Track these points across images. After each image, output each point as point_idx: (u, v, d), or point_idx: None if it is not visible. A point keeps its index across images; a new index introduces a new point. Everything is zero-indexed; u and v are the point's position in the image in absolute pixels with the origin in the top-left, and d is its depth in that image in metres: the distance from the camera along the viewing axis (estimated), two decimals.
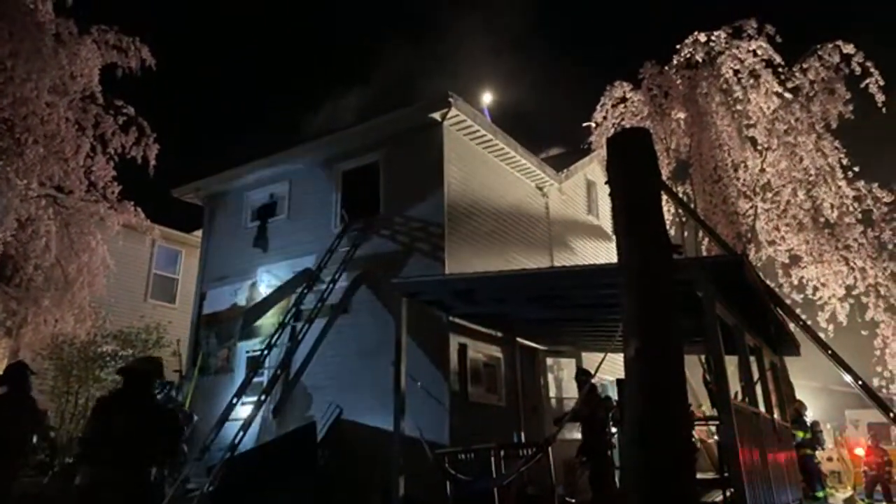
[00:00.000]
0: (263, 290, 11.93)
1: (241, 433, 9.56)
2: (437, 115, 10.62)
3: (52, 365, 12.52)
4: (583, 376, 9.49)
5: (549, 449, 8.12)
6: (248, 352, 11.84)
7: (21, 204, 9.98)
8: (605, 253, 14.96)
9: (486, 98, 17.29)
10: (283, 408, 10.78)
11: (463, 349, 9.98)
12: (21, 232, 10.24)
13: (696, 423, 10.25)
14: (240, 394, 10.20)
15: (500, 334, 10.96)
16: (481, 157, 11.69)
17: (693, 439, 10.31)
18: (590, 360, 11.97)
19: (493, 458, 7.79)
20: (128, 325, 13.74)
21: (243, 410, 10.15)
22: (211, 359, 11.93)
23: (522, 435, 10.70)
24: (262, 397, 10.09)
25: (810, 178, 13.14)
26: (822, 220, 13.17)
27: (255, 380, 10.69)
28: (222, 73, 67.06)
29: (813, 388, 21.19)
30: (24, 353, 11.26)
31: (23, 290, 10.85)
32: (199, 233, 14.88)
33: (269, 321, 11.46)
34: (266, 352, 10.63)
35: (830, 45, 13.18)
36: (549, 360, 12.58)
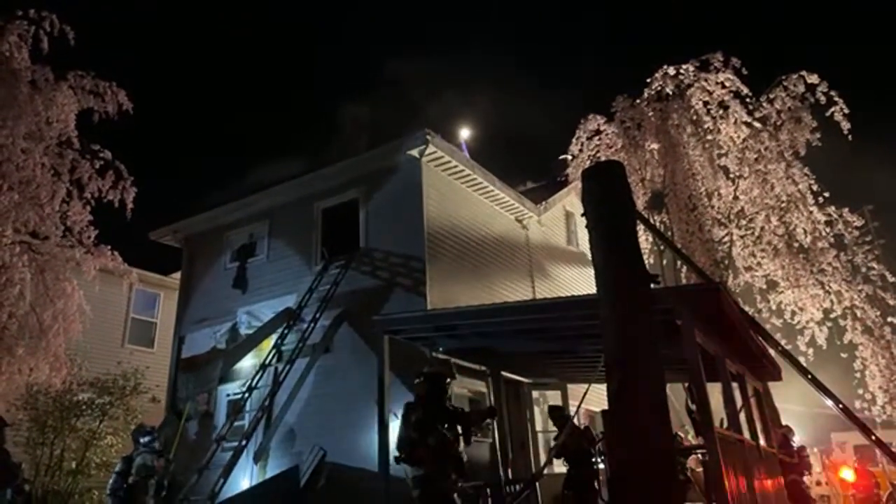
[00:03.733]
0: (243, 331, 11.78)
1: (222, 480, 9.32)
2: (415, 152, 10.72)
3: (26, 416, 12.16)
4: (556, 412, 9.53)
5: (537, 484, 8.02)
6: (228, 395, 11.63)
7: None
8: (586, 281, 15.03)
9: (464, 133, 17.49)
10: (266, 452, 10.56)
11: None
12: None
13: (686, 452, 10.19)
14: (220, 439, 9.98)
15: (484, 368, 10.89)
16: (460, 191, 11.78)
17: (685, 468, 10.25)
18: (575, 391, 11.93)
19: (480, 497, 7.66)
20: (104, 372, 13.42)
21: (224, 456, 9.91)
22: (190, 403, 11.68)
23: (510, 471, 10.56)
24: (244, 442, 9.88)
25: (782, 205, 13.40)
26: (796, 245, 13.38)
27: (236, 424, 10.48)
28: (200, 116, 67.31)
29: (798, 412, 21.26)
30: None
31: None
32: (177, 275, 14.72)
33: (249, 363, 11.30)
34: (247, 395, 10.45)
35: (795, 76, 13.60)
36: (535, 393, 12.50)
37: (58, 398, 12.36)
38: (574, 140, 15.05)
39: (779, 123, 13.68)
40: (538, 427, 12.30)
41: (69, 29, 10.65)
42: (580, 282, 15.09)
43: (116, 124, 11.13)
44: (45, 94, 10.36)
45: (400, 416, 6.13)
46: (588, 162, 14.34)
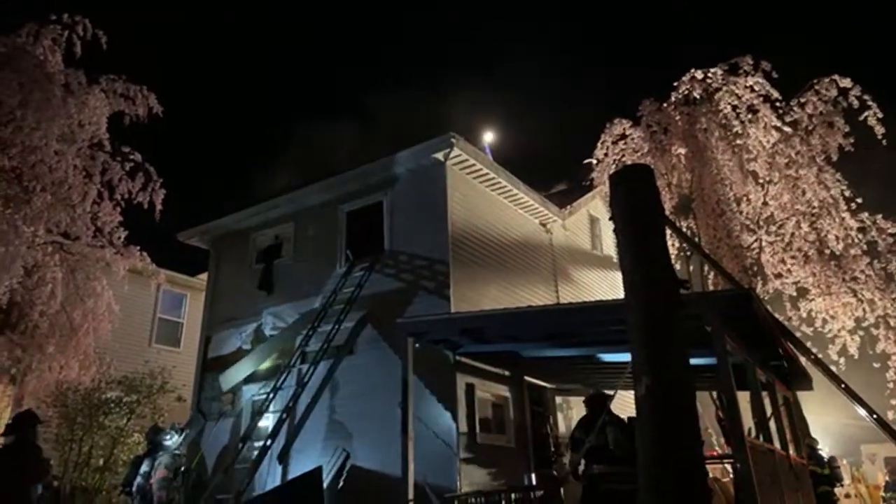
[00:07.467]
0: (268, 332, 11.87)
1: (247, 480, 9.40)
2: (439, 155, 10.72)
3: (56, 412, 12.41)
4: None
5: (562, 489, 7.94)
6: (253, 396, 11.72)
7: (28, 251, 10.03)
8: (610, 286, 14.91)
9: (488, 137, 17.47)
10: (289, 452, 10.61)
11: (470, 389, 9.86)
12: (27, 279, 10.26)
13: (712, 461, 10.03)
14: (245, 439, 10.06)
15: (507, 373, 10.83)
16: (484, 194, 11.75)
17: (708, 478, 10.07)
18: None
19: (503, 502, 7.61)
20: (132, 371, 13.66)
21: (249, 456, 9.99)
22: (215, 403, 11.80)
23: (533, 477, 10.48)
24: (268, 442, 9.94)
25: (813, 211, 13.15)
26: (827, 252, 13.11)
27: (261, 424, 10.55)
28: (230, 117, 68.20)
29: (827, 422, 20.82)
30: (28, 401, 11.18)
31: (28, 336, 10.83)
32: (204, 276, 14.90)
33: (274, 364, 11.37)
34: (271, 395, 10.52)
35: (827, 80, 13.34)
36: (559, 399, 12.40)
37: (87, 396, 12.59)
38: (599, 144, 14.96)
39: (810, 128, 13.43)
40: (561, 432, 12.20)
41: (101, 33, 10.87)
42: (604, 286, 14.96)
43: (146, 127, 11.35)
44: (78, 97, 10.57)
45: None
46: (613, 166, 14.23)
